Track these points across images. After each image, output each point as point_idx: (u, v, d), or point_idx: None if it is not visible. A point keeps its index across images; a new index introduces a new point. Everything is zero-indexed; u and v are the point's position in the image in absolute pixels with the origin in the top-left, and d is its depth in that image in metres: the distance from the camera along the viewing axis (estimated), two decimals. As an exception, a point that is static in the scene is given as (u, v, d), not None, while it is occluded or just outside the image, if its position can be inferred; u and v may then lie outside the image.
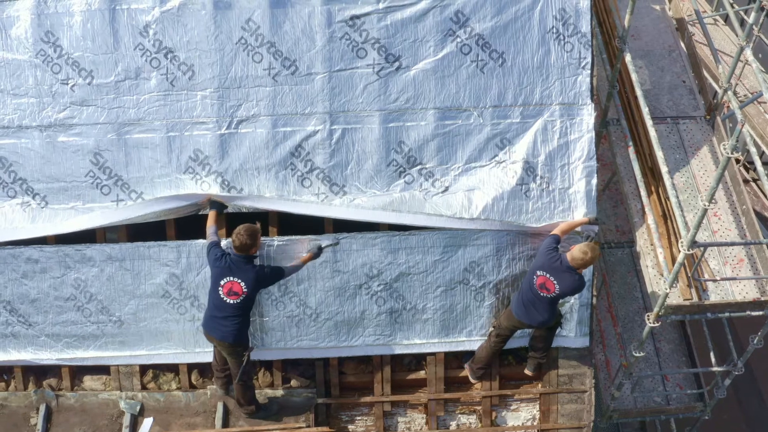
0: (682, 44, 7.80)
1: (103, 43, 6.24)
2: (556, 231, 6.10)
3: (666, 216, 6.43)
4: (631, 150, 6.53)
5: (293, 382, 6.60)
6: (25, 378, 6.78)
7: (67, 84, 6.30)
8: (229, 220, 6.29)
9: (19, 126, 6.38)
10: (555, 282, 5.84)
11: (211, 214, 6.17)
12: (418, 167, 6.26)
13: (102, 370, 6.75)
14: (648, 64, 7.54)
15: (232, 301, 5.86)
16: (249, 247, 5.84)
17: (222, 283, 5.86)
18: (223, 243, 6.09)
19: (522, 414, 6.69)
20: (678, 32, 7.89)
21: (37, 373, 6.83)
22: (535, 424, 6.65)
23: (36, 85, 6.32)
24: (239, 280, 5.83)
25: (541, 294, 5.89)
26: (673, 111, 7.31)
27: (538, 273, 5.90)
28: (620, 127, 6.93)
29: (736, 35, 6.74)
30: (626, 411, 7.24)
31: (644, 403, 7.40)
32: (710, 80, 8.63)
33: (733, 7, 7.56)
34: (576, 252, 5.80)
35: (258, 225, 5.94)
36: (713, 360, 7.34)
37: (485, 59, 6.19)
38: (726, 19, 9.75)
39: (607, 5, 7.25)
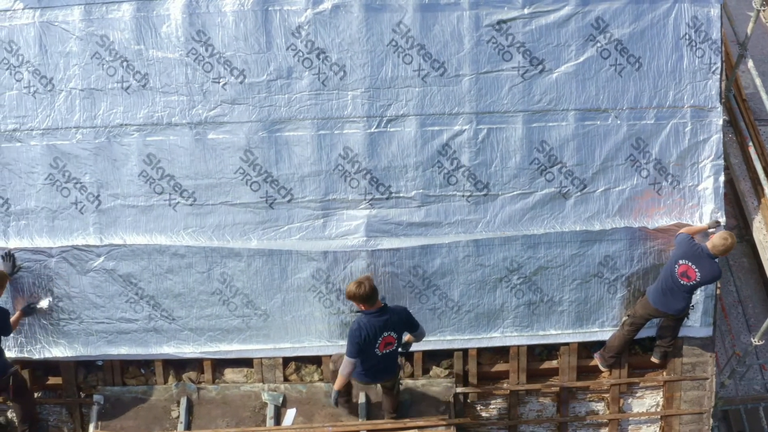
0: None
1: (255, 43, 6.41)
2: (683, 231, 6.45)
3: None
4: (752, 150, 6.94)
5: (432, 373, 6.84)
6: (165, 372, 6.89)
7: (219, 82, 6.45)
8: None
9: (169, 123, 6.51)
10: (696, 270, 6.19)
11: None
12: (558, 166, 6.56)
13: (243, 362, 6.89)
14: (748, 69, 7.96)
15: None
16: None
17: None
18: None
19: (647, 401, 7.03)
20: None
21: (176, 366, 6.94)
22: (658, 410, 7.00)
23: (187, 83, 6.45)
24: None
25: (682, 282, 6.23)
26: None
27: (680, 262, 6.24)
28: (731, 128, 7.34)
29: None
30: (730, 399, 7.64)
31: (746, 391, 7.81)
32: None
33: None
34: (717, 239, 6.15)
35: None
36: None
37: (623, 63, 6.52)
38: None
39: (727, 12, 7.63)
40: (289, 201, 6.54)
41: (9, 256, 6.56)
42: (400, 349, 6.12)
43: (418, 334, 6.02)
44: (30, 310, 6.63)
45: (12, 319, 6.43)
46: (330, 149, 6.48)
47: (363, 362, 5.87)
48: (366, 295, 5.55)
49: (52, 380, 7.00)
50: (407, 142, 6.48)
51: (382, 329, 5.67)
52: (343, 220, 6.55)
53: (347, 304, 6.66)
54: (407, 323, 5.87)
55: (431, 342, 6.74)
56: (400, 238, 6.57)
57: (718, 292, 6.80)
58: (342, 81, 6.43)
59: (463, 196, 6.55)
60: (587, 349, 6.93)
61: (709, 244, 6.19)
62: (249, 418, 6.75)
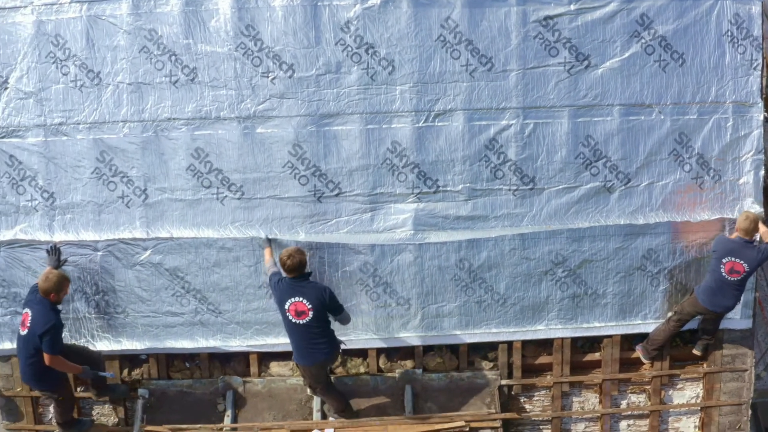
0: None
1: (304, 38, 6.44)
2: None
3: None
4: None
5: (477, 365, 6.90)
6: (210, 365, 6.91)
7: (268, 77, 6.48)
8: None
9: (217, 117, 6.53)
10: (742, 262, 6.29)
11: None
12: (603, 160, 6.63)
13: (288, 356, 6.89)
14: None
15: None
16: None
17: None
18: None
19: (687, 392, 7.12)
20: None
21: (221, 360, 6.97)
22: (698, 401, 7.10)
23: (235, 77, 6.48)
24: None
25: (732, 279, 6.34)
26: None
27: (724, 260, 6.35)
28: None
29: None
30: (765, 391, 7.77)
31: (777, 384, 7.98)
32: None
33: None
34: (741, 224, 6.33)
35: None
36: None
37: (667, 59, 6.60)
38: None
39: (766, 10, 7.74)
40: (337, 195, 6.58)
41: (54, 249, 6.55)
42: (340, 343, 6.32)
43: (341, 318, 6.21)
44: (91, 375, 6.48)
45: (69, 363, 6.26)
46: (378, 143, 6.53)
47: (288, 334, 6.20)
48: (292, 267, 5.97)
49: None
50: (455, 137, 6.54)
51: (291, 292, 5.99)
52: (391, 214, 6.60)
53: (394, 298, 6.71)
54: (326, 301, 6.05)
55: (477, 335, 6.82)
56: (447, 231, 6.62)
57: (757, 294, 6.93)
58: (390, 76, 6.48)
59: (509, 190, 6.61)
60: (629, 341, 7.01)
61: (739, 233, 6.33)
62: (295, 411, 6.79)
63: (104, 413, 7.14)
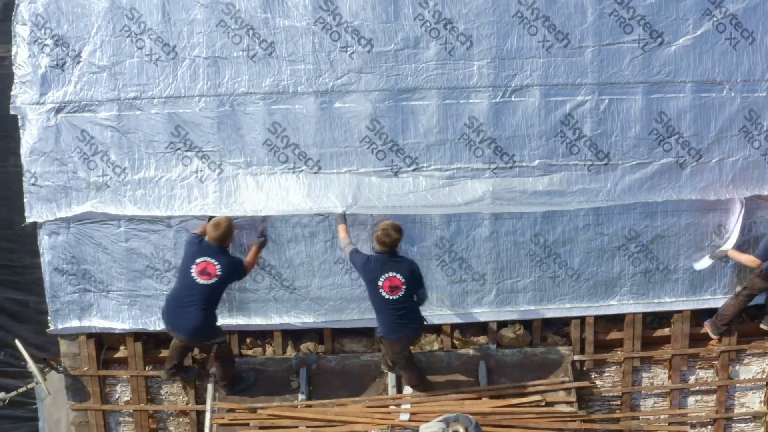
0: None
1: (383, 13, 6.45)
2: None
3: None
4: None
5: (550, 341, 6.93)
6: (283, 342, 6.86)
7: (346, 51, 6.48)
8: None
9: (294, 92, 6.51)
10: (807, 237, 6.42)
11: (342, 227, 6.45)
12: (676, 136, 6.71)
13: (361, 332, 6.90)
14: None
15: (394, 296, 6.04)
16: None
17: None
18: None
19: (753, 368, 7.20)
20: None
21: (293, 337, 6.93)
22: (764, 376, 7.19)
23: (313, 51, 6.47)
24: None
25: (803, 255, 6.45)
26: None
27: (789, 236, 6.47)
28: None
29: None
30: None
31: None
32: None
33: None
34: None
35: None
36: None
37: (737, 37, 6.70)
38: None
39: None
40: (414, 170, 6.59)
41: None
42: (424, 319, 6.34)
43: (421, 293, 6.19)
44: (263, 242, 6.55)
45: (248, 258, 6.37)
46: (456, 118, 6.55)
47: (376, 310, 6.20)
48: (390, 243, 6.01)
49: (165, 353, 6.91)
50: (531, 112, 6.58)
51: (385, 267, 6.03)
52: (468, 189, 6.62)
53: (469, 273, 6.73)
54: (416, 275, 6.12)
55: (551, 310, 6.86)
56: (523, 206, 6.66)
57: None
58: (468, 51, 6.51)
59: (584, 165, 6.66)
60: (697, 317, 7.09)
61: None
62: (370, 388, 6.77)
63: (173, 392, 7.07)
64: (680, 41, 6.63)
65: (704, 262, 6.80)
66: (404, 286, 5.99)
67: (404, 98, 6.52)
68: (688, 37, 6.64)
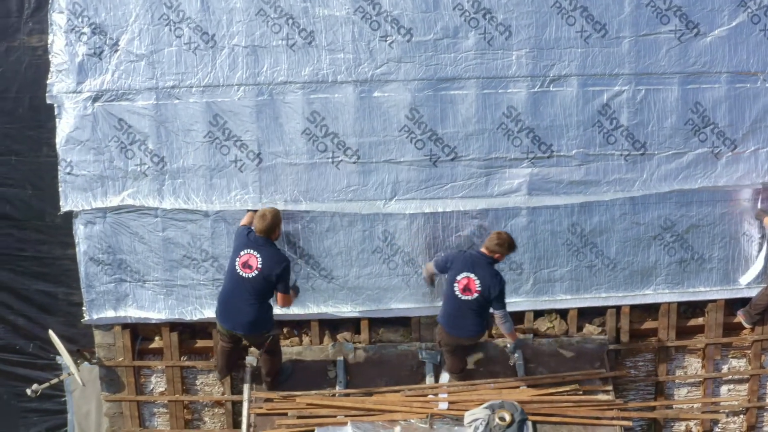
0: None
1: (422, 2, 6.47)
2: None
3: None
4: None
5: (586, 330, 6.96)
6: (320, 332, 6.85)
7: (386, 41, 6.49)
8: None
9: (334, 81, 6.52)
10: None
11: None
12: (711, 126, 6.76)
13: (398, 322, 6.90)
14: None
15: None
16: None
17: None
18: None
19: (784, 357, 7.29)
20: None
21: (329, 326, 6.92)
22: (796, 366, 7.27)
23: (353, 41, 6.48)
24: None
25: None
26: None
27: (823, 227, 6.53)
28: None
29: None
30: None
31: None
32: None
33: None
34: None
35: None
36: None
37: (772, 29, 6.79)
38: None
39: None
40: (452, 159, 6.61)
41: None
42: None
43: (501, 315, 6.18)
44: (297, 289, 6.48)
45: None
46: (494, 108, 6.57)
47: (445, 302, 6.24)
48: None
49: (201, 343, 6.93)
50: (569, 102, 6.61)
51: (466, 267, 6.08)
52: (506, 178, 6.65)
53: (506, 263, 6.74)
54: (496, 293, 6.07)
55: (588, 299, 6.89)
56: (561, 196, 6.68)
57: None
58: (507, 41, 6.54)
59: (621, 155, 6.69)
60: (729, 306, 7.13)
61: None
62: (407, 377, 6.76)
63: (208, 383, 7.05)
64: (716, 32, 6.69)
65: (750, 274, 6.87)
66: (477, 293, 5.99)
67: (443, 88, 6.55)
68: (723, 29, 6.69)
